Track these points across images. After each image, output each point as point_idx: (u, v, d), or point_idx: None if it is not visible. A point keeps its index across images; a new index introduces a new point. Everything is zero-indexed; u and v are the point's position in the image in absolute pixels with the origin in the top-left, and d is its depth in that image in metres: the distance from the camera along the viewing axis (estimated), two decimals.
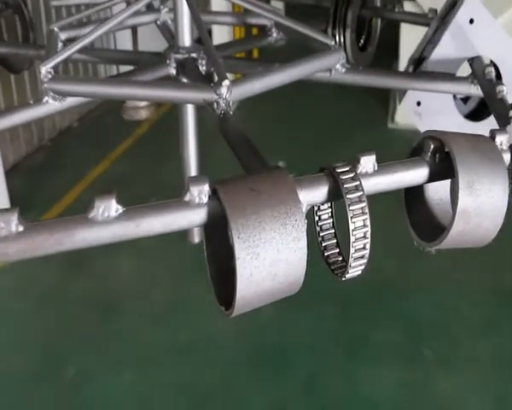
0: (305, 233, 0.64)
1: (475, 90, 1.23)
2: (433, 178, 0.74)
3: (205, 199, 0.64)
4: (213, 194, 0.64)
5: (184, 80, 1.30)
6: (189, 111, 1.43)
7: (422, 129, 1.38)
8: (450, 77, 1.28)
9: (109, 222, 0.61)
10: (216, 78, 1.05)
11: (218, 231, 0.69)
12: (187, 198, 0.64)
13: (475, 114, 1.47)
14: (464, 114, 1.45)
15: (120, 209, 0.61)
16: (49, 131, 5.68)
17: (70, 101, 1.11)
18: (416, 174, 0.73)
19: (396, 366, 2.98)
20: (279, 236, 0.62)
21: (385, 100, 6.13)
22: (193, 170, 1.43)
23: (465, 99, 1.52)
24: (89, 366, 3.03)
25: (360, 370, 2.97)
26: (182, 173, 1.46)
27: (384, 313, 3.31)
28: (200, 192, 0.63)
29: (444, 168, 0.73)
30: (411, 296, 3.44)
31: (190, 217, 0.64)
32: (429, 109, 1.36)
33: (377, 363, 3.01)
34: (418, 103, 1.37)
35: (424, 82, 1.27)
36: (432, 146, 0.74)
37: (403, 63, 5.47)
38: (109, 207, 0.61)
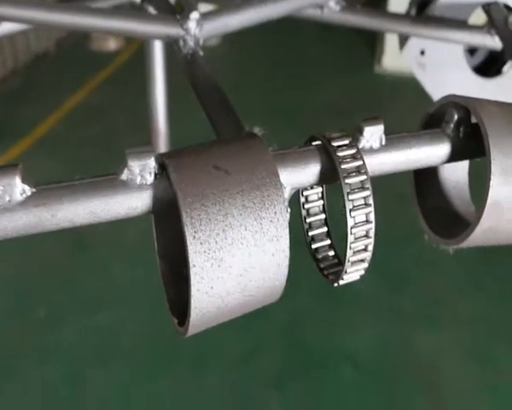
0: (287, 230, 0.47)
1: (492, 42, 1.05)
2: (455, 157, 0.57)
3: (149, 179, 0.46)
4: (162, 171, 0.46)
5: (151, 10, 1.09)
6: (157, 49, 1.22)
7: (426, 82, 1.20)
8: (462, 25, 1.09)
9: (12, 209, 0.42)
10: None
11: (171, 217, 0.51)
12: (124, 177, 0.45)
13: (483, 69, 1.30)
14: (471, 68, 1.27)
15: (28, 191, 0.43)
16: (24, 55, 5.36)
17: (5, 27, 0.90)
18: (435, 152, 0.55)
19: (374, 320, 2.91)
20: (251, 235, 0.45)
21: (372, 42, 5.89)
22: (161, 122, 1.22)
23: (471, 51, 1.34)
24: (60, 307, 2.94)
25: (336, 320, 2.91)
26: (147, 128, 1.25)
27: None
28: (143, 169, 0.45)
29: (470, 145, 0.56)
30: (391, 248, 3.33)
31: (129, 203, 0.45)
32: (435, 60, 1.17)
33: (354, 315, 2.94)
34: (422, 53, 1.18)
35: (432, 29, 1.08)
36: (456, 116, 0.56)
37: (392, 6, 5.20)
38: (11, 189, 0.42)
